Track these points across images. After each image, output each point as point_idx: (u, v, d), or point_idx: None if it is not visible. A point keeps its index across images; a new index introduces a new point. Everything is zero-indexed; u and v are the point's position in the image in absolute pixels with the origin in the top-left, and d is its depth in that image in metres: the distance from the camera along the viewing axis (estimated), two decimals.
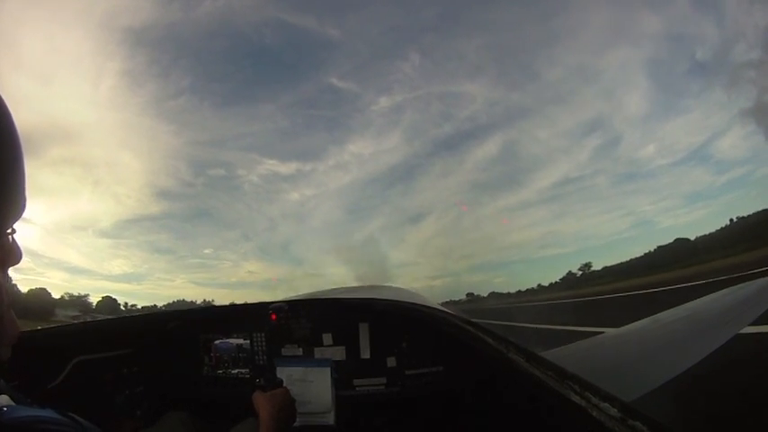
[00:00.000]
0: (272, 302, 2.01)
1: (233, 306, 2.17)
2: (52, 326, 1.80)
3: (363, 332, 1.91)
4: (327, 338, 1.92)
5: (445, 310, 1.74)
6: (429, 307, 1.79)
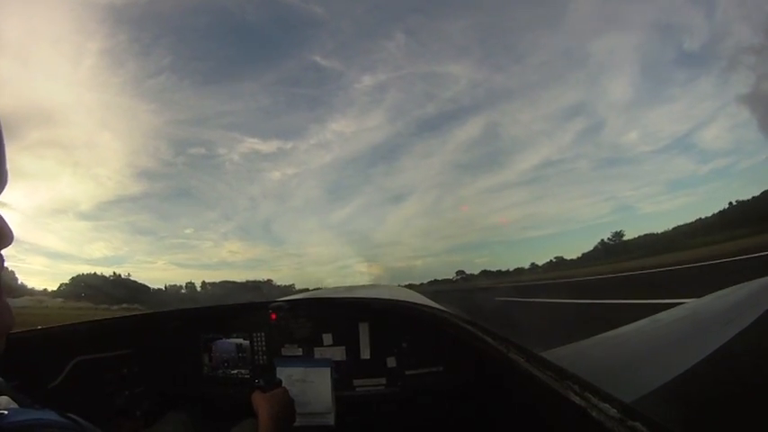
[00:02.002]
0: (272, 302, 2.02)
1: (233, 305, 2.17)
2: (52, 325, 1.80)
3: (363, 332, 1.91)
4: (327, 338, 1.92)
5: (445, 309, 1.74)
6: (429, 307, 1.79)
